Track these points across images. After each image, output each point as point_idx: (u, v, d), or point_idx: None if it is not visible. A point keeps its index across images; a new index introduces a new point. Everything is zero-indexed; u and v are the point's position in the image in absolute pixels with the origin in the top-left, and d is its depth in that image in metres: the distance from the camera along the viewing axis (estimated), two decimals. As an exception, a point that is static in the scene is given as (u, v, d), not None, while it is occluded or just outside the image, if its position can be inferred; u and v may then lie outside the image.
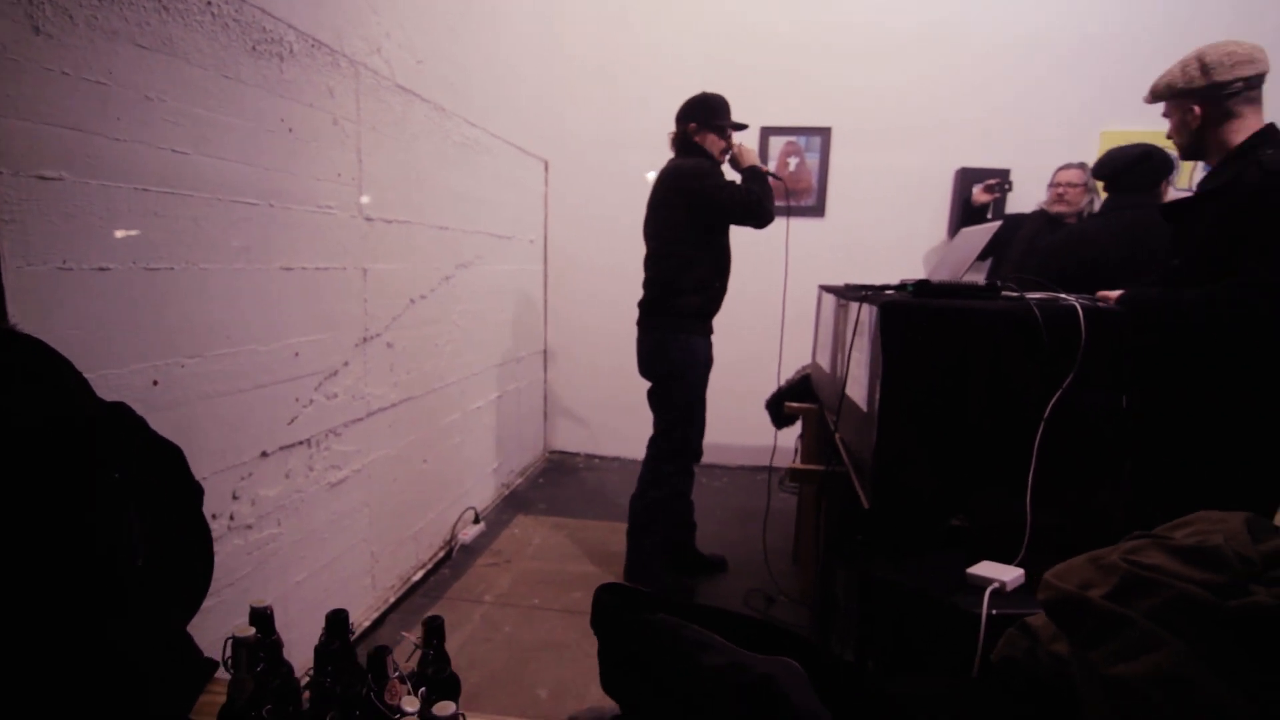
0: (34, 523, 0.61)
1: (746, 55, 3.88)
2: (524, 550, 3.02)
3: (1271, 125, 1.68)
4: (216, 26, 1.61)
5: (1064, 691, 0.62)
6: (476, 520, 3.16)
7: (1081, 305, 1.38)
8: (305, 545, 2.03)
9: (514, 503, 3.60)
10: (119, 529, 0.70)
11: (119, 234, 1.39)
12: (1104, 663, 0.54)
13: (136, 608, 0.74)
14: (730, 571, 2.87)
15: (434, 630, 0.91)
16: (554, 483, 3.97)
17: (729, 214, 2.57)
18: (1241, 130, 1.67)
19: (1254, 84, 1.66)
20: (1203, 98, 1.67)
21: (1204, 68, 1.67)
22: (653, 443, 2.75)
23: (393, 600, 2.50)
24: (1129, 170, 2.53)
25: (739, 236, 2.80)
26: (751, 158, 2.64)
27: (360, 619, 2.32)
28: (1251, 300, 1.56)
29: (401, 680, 0.87)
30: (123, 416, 1.03)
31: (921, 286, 1.54)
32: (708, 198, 2.54)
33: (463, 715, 0.73)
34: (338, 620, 0.90)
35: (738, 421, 3.99)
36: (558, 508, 3.55)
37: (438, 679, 0.80)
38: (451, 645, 2.53)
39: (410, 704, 0.83)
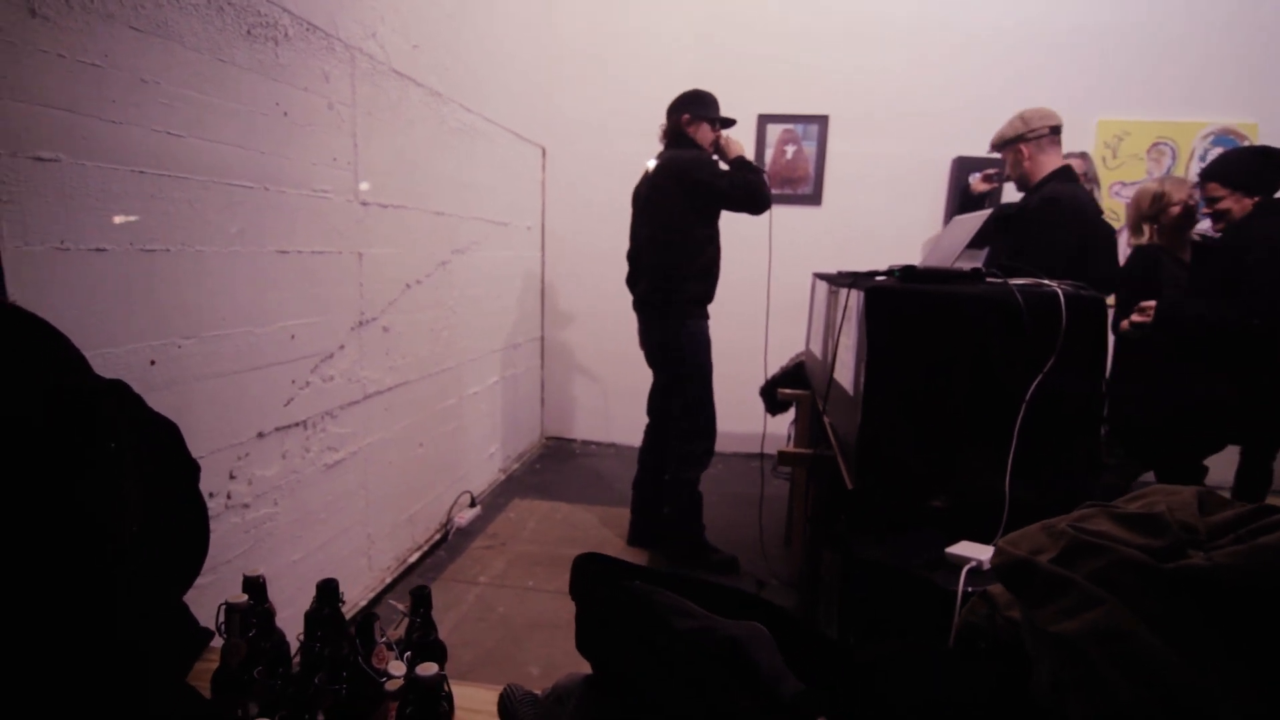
0: (30, 489, 0.64)
1: (743, 42, 3.88)
2: (519, 533, 3.06)
3: (1066, 165, 2.39)
4: (211, 10, 1.62)
5: (1018, 652, 0.65)
6: (473, 504, 3.20)
7: (1063, 291, 1.40)
8: (302, 525, 2.06)
9: (510, 487, 3.63)
10: (114, 497, 0.73)
11: (115, 215, 1.41)
12: (1047, 621, 0.57)
13: (134, 574, 0.77)
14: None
15: (421, 599, 0.95)
16: (550, 468, 4.01)
17: (728, 202, 2.64)
18: (1047, 166, 2.37)
19: (1056, 131, 2.38)
20: (1026, 140, 2.38)
21: (1024, 120, 2.39)
22: (674, 424, 2.82)
23: (389, 581, 2.54)
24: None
25: (733, 226, 2.82)
26: (738, 149, 2.71)
27: (356, 598, 2.36)
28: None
29: (389, 646, 0.90)
30: (120, 392, 1.06)
31: (908, 272, 1.56)
32: (708, 186, 2.61)
33: (444, 675, 0.76)
34: (328, 588, 0.93)
35: (736, 408, 4.03)
36: (554, 492, 3.59)
37: (423, 643, 0.83)
38: (446, 625, 2.56)
39: (397, 668, 0.86)
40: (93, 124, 1.35)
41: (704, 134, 2.69)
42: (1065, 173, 2.38)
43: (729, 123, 2.74)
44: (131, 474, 0.77)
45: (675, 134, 2.72)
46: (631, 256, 2.92)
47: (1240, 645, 0.52)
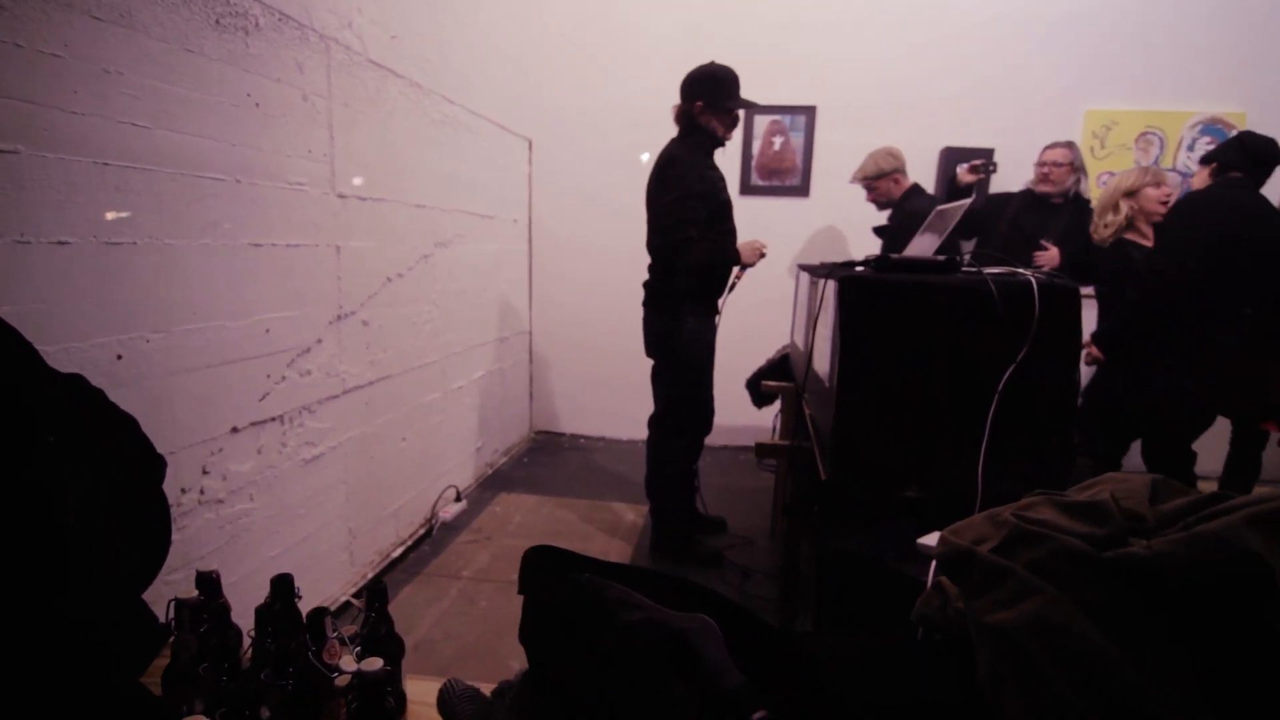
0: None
1: (730, 31, 3.85)
2: (505, 527, 3.05)
3: (916, 184, 3.38)
4: (177, -1, 1.59)
5: (966, 644, 0.64)
6: (458, 498, 3.19)
7: (1036, 280, 1.39)
8: (279, 520, 2.05)
9: (497, 481, 3.62)
10: (52, 490, 0.71)
11: (78, 208, 1.39)
12: (984, 612, 0.56)
13: (78, 569, 0.76)
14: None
15: (376, 594, 0.93)
16: (539, 462, 4.00)
17: (665, 242, 2.54)
18: (906, 187, 3.34)
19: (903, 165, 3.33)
20: (897, 171, 3.31)
21: (893, 156, 3.30)
22: (656, 421, 2.79)
23: (370, 576, 2.52)
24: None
25: (739, 220, 2.74)
26: (749, 254, 2.63)
27: (337, 594, 2.35)
28: None
29: (341, 641, 0.89)
30: (75, 386, 1.04)
31: (882, 261, 1.55)
32: (670, 214, 2.50)
33: (389, 670, 0.75)
34: (282, 583, 0.92)
35: (727, 401, 4.01)
36: (541, 486, 3.58)
37: (373, 638, 0.81)
38: (428, 619, 2.53)
39: (349, 663, 0.85)
40: (53, 115, 1.33)
41: (717, 124, 2.59)
42: (916, 189, 3.36)
43: (747, 105, 2.63)
44: (72, 467, 0.76)
45: (688, 119, 2.59)
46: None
47: (1181, 633, 0.51)
